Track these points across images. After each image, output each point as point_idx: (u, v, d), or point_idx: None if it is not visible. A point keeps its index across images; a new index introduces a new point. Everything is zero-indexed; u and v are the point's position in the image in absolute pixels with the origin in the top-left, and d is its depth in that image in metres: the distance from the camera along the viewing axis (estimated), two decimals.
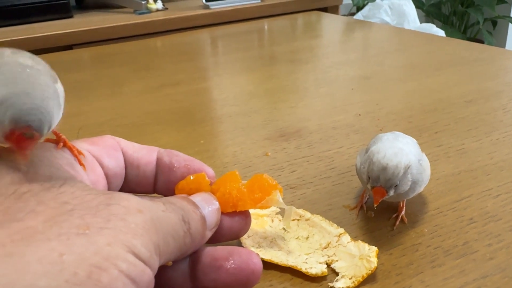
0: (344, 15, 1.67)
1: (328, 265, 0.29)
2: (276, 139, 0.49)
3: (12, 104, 0.18)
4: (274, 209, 0.34)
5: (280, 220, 0.33)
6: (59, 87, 0.21)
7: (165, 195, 0.25)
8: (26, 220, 0.17)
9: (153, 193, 0.26)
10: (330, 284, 0.28)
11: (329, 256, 0.30)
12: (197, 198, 0.23)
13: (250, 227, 0.26)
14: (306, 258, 0.30)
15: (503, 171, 0.40)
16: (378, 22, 1.61)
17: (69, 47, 1.15)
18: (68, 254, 0.16)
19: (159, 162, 0.26)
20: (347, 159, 0.43)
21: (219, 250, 0.23)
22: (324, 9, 1.46)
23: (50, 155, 0.22)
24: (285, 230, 0.32)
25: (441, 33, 1.59)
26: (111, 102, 0.64)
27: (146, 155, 0.26)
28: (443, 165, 0.41)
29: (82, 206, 0.18)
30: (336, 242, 0.31)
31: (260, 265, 0.23)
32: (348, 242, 0.30)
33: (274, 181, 0.26)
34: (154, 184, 0.26)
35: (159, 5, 1.35)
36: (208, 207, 0.23)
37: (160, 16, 1.28)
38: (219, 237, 0.25)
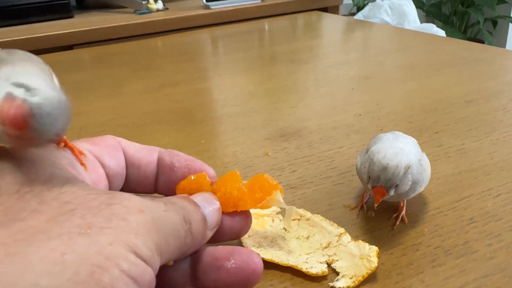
0: (344, 15, 1.67)
1: (329, 265, 0.29)
2: (277, 139, 0.49)
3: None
4: (274, 209, 0.34)
5: (280, 220, 0.33)
6: (55, 81, 0.22)
7: (166, 195, 0.26)
8: (28, 220, 0.17)
9: (154, 193, 0.27)
10: (331, 284, 0.28)
11: (329, 256, 0.30)
12: (198, 198, 0.23)
13: (251, 227, 0.26)
14: (307, 258, 0.30)
15: (503, 171, 0.40)
16: (378, 22, 1.61)
17: (70, 47, 1.15)
18: (70, 253, 0.16)
19: (160, 162, 0.26)
20: (348, 159, 0.44)
21: (220, 250, 0.23)
22: (325, 9, 1.46)
23: (51, 155, 0.22)
24: (286, 230, 0.32)
25: (442, 33, 1.59)
26: (112, 102, 0.64)
27: (147, 155, 0.26)
28: (443, 165, 0.41)
29: (83, 205, 0.18)
30: (337, 241, 0.31)
31: (260, 264, 0.23)
32: (348, 242, 0.31)
33: (275, 181, 0.26)
34: (155, 184, 0.26)
35: (160, 5, 1.35)
36: (209, 207, 0.23)
37: (161, 16, 1.28)
38: (219, 237, 0.25)
